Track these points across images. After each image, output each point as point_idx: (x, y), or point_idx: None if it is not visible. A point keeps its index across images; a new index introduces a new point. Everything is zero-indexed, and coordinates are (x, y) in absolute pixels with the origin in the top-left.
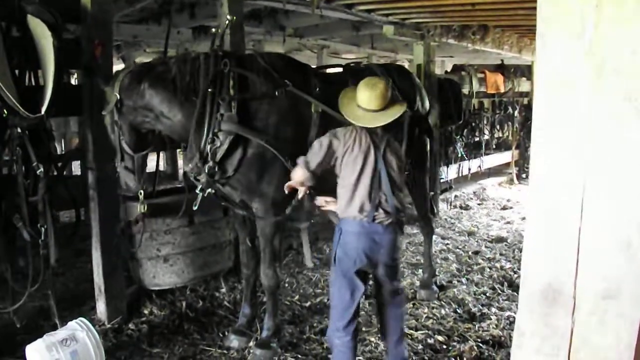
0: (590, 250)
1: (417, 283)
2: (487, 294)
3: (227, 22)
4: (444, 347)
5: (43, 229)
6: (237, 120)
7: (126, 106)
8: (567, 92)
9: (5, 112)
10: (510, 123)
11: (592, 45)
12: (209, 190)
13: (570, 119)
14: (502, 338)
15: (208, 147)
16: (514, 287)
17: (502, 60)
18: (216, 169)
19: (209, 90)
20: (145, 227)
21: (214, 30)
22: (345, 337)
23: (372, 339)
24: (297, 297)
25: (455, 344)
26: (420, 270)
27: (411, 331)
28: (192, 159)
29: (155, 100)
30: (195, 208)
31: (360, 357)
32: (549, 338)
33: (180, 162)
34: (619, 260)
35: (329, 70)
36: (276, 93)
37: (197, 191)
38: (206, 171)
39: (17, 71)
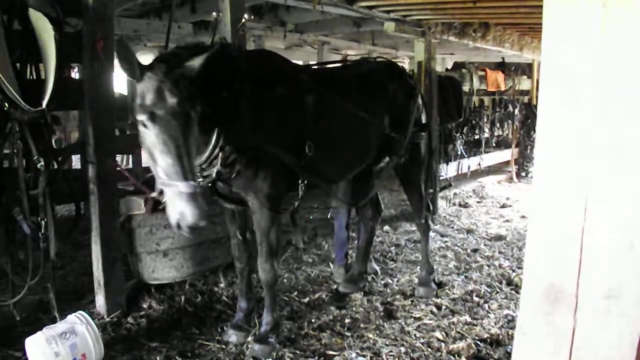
0: (593, 250)
1: (416, 280)
2: (486, 292)
3: (244, 18)
4: (442, 344)
5: (43, 222)
6: (252, 130)
7: None
8: (573, 92)
9: (6, 105)
10: (510, 121)
11: (599, 45)
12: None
13: (575, 118)
14: (500, 336)
15: (217, 151)
16: (513, 285)
17: (502, 58)
18: (223, 171)
19: (223, 94)
20: None
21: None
22: None
23: (371, 335)
24: (295, 293)
25: (453, 341)
26: (418, 268)
27: (408, 328)
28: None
29: None
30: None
31: (358, 351)
32: (550, 336)
33: None
34: (621, 260)
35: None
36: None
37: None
38: (213, 175)
39: (18, 64)
